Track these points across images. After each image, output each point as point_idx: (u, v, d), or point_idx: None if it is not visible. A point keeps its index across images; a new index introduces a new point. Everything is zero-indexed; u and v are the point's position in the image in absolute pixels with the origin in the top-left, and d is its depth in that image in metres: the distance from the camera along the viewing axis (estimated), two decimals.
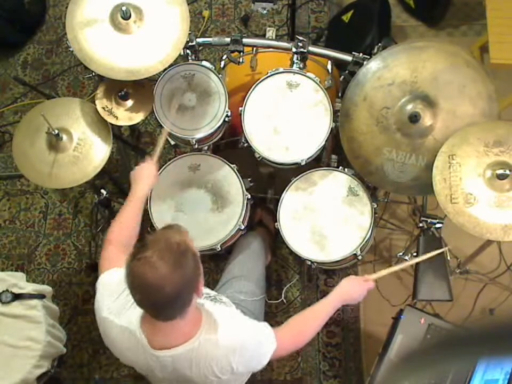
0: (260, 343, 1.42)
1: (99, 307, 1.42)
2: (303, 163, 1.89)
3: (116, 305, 1.38)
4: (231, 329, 1.38)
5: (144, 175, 1.70)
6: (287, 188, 1.95)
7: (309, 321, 1.56)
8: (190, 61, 2.01)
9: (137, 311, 1.32)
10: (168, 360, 1.33)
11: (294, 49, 1.95)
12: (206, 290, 1.71)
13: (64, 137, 1.87)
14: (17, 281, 1.92)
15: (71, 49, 1.77)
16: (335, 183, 1.95)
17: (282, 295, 2.40)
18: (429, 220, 1.88)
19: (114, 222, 1.61)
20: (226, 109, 1.94)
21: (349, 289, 1.60)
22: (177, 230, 1.26)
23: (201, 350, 1.32)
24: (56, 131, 1.82)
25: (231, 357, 1.33)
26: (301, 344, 1.56)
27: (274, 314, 2.38)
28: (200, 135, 1.93)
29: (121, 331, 1.36)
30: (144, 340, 1.32)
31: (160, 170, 1.98)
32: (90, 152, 1.89)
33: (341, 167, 1.96)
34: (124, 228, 1.58)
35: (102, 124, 1.92)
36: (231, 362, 1.33)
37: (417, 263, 1.89)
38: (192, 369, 1.33)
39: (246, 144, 1.93)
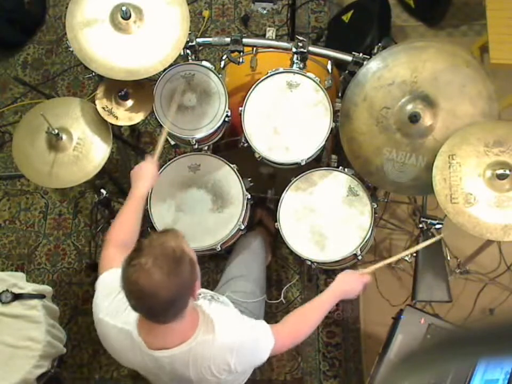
0: (257, 340, 1.42)
1: (96, 308, 1.42)
2: (303, 163, 1.89)
3: (112, 306, 1.37)
4: (228, 329, 1.37)
5: (144, 174, 1.69)
6: (287, 188, 1.95)
7: (307, 317, 1.57)
8: (190, 61, 2.01)
9: (134, 313, 1.31)
10: (166, 361, 1.33)
11: (294, 49, 1.95)
12: (204, 290, 1.71)
13: (64, 136, 1.87)
14: (17, 281, 1.92)
15: (71, 49, 1.77)
16: (335, 183, 1.95)
17: (282, 295, 2.40)
18: (429, 221, 1.88)
19: (114, 221, 1.61)
20: (226, 109, 1.93)
21: (345, 285, 1.61)
22: (174, 235, 1.24)
23: (198, 350, 1.31)
24: (56, 130, 1.82)
25: (229, 357, 1.33)
26: (299, 340, 1.57)
27: (274, 314, 2.38)
28: (200, 135, 1.93)
29: (118, 332, 1.36)
30: (141, 340, 1.32)
31: (160, 170, 1.98)
32: (90, 152, 1.89)
33: (341, 167, 1.96)
34: (123, 228, 1.58)
35: (102, 123, 1.92)
36: (229, 362, 1.33)
37: (416, 263, 1.89)
38: (190, 370, 1.33)
39: (246, 144, 1.93)
